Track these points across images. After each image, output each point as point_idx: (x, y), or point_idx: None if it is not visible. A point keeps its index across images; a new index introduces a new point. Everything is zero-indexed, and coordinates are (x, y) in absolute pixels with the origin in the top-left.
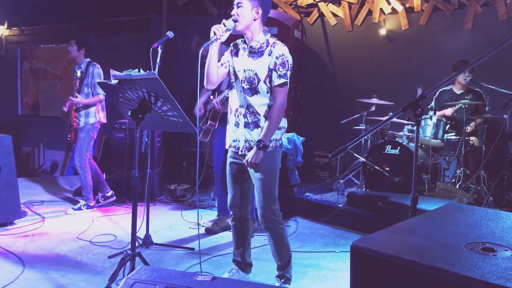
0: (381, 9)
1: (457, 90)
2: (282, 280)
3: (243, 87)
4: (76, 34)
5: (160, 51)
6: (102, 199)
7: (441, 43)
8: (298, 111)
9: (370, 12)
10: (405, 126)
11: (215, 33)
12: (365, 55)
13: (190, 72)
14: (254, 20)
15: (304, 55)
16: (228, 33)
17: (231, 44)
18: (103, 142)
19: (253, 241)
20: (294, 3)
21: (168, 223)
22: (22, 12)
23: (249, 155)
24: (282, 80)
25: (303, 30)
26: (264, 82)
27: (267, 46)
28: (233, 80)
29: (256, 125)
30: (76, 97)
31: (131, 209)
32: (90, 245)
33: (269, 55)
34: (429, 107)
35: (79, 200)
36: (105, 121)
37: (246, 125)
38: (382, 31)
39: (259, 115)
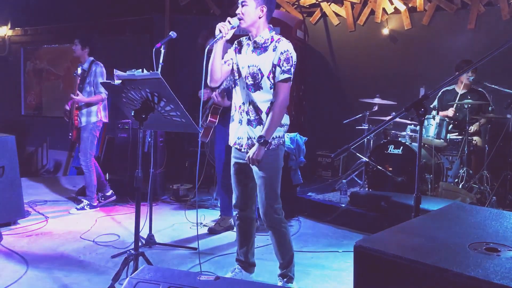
0: (383, 9)
1: (460, 90)
2: (285, 279)
3: (246, 83)
4: (80, 33)
5: (163, 51)
6: (103, 198)
7: (444, 43)
8: (301, 111)
9: (372, 12)
10: (408, 126)
11: (220, 31)
12: (367, 55)
13: (192, 72)
14: (259, 18)
15: (307, 55)
16: (233, 31)
17: (235, 42)
18: (106, 142)
19: (256, 240)
20: (297, 3)
21: (171, 223)
22: (25, 13)
23: (251, 152)
24: (286, 76)
25: (305, 30)
26: (268, 77)
27: (271, 42)
28: (237, 77)
29: (259, 122)
30: (77, 95)
31: (134, 209)
32: (94, 245)
33: (274, 50)
34: (431, 106)
35: (82, 200)
36: (107, 121)
37: (249, 122)
38: (385, 31)
39: (261, 112)
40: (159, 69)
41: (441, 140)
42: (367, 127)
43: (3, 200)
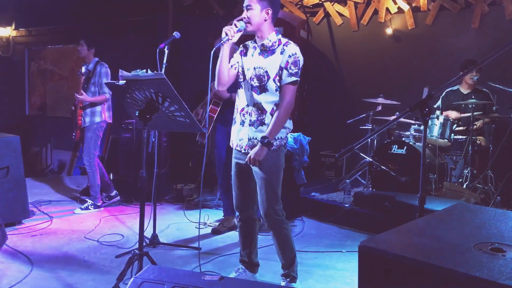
0: (387, 9)
1: (464, 90)
2: (288, 279)
3: (251, 85)
4: (85, 34)
5: (166, 51)
6: (106, 199)
7: (448, 43)
8: (304, 111)
9: (376, 12)
10: (412, 126)
11: (226, 34)
12: (371, 55)
13: (196, 73)
14: (265, 21)
15: (310, 55)
16: (239, 34)
17: (241, 45)
18: (110, 142)
19: (259, 241)
20: (300, 3)
21: (175, 222)
22: (29, 13)
23: (252, 152)
24: (293, 78)
25: (309, 30)
26: (274, 80)
27: (279, 44)
28: (241, 79)
29: (261, 123)
30: (82, 94)
31: (138, 209)
32: (98, 245)
33: (281, 53)
34: (435, 106)
35: (86, 199)
36: (111, 121)
37: (251, 123)
38: (388, 31)
39: (266, 112)
40: (163, 70)
41: (445, 140)
42: (370, 127)
43: (8, 200)
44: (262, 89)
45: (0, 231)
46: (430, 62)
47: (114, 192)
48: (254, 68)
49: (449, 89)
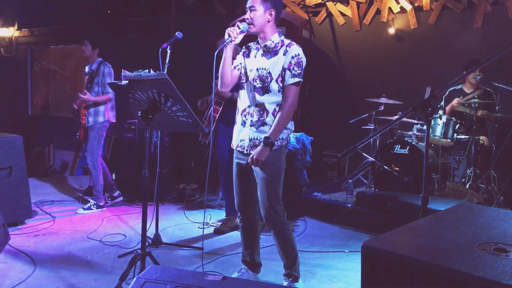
0: (389, 8)
1: (468, 89)
2: (290, 278)
3: (254, 86)
4: (89, 34)
5: (169, 51)
6: (109, 199)
7: (451, 42)
8: (307, 110)
9: (378, 11)
10: (414, 126)
11: (229, 35)
12: (373, 55)
13: (198, 73)
14: (268, 22)
15: (312, 54)
16: (242, 35)
17: (244, 47)
18: (112, 142)
19: (262, 241)
20: (302, 2)
21: (177, 222)
22: (32, 14)
23: (254, 152)
24: (296, 79)
25: (311, 29)
26: (276, 81)
27: (282, 46)
28: (244, 80)
29: (263, 123)
30: (85, 94)
31: (140, 208)
32: (100, 245)
33: (284, 54)
34: (438, 106)
35: (89, 199)
36: (114, 121)
37: (252, 124)
38: (391, 30)
39: (268, 113)
40: (165, 70)
41: (448, 139)
42: (373, 127)
43: (11, 200)
44: (265, 90)
45: (2, 231)
46: (433, 62)
47: (117, 193)
48: (257, 69)
49: (452, 88)
